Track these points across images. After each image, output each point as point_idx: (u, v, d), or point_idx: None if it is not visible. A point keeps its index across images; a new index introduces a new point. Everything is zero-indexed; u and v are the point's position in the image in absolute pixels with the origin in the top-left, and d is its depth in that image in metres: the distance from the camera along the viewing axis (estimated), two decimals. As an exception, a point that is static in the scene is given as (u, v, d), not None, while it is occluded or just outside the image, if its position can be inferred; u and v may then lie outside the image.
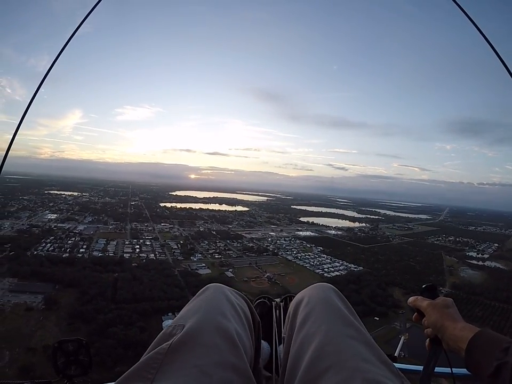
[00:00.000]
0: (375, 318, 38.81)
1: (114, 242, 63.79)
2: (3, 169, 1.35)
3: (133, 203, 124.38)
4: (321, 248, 76.27)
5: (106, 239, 65.32)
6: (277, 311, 1.73)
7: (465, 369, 1.00)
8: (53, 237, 61.33)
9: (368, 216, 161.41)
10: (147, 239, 69.70)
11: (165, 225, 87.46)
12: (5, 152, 1.38)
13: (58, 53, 1.51)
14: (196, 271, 52.91)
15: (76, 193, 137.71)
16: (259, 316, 1.37)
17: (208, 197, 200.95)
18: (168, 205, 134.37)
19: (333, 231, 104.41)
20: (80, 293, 38.40)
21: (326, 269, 59.40)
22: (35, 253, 51.66)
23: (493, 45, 1.57)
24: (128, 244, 64.00)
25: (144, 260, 55.07)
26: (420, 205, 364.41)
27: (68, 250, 55.29)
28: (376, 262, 67.88)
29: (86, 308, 34.56)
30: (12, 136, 1.41)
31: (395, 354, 1.69)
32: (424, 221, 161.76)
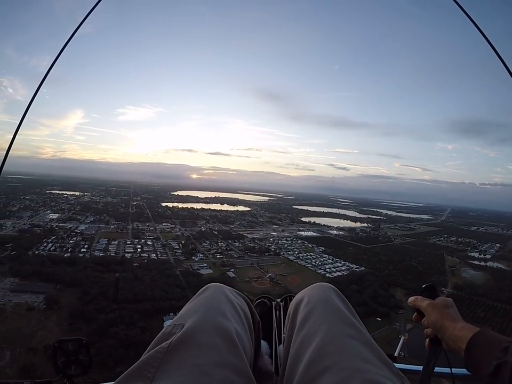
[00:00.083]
0: (377, 318, 38.55)
1: (116, 242, 63.82)
2: (4, 169, 1.36)
3: (134, 203, 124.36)
4: (323, 248, 76.09)
5: (108, 238, 65.35)
6: (277, 311, 1.73)
7: (465, 369, 1.00)
8: (54, 237, 61.42)
9: (370, 216, 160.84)
10: (149, 239, 69.68)
11: (167, 225, 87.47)
12: (5, 152, 1.39)
13: (58, 53, 1.52)
14: (198, 271, 52.87)
15: (77, 193, 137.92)
16: (259, 315, 1.37)
17: (209, 196, 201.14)
18: (170, 204, 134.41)
19: (335, 231, 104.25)
20: (81, 292, 38.42)
21: (328, 269, 59.28)
22: (36, 252, 51.73)
23: (493, 45, 1.57)
24: (130, 244, 64.01)
25: (145, 260, 55.03)
26: (422, 205, 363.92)
27: (69, 250, 55.30)
28: (378, 262, 67.68)
29: (87, 307, 34.55)
30: (12, 136, 1.42)
31: (395, 354, 1.69)
32: (426, 221, 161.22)
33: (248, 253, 66.48)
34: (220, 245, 70.80)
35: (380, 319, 38.37)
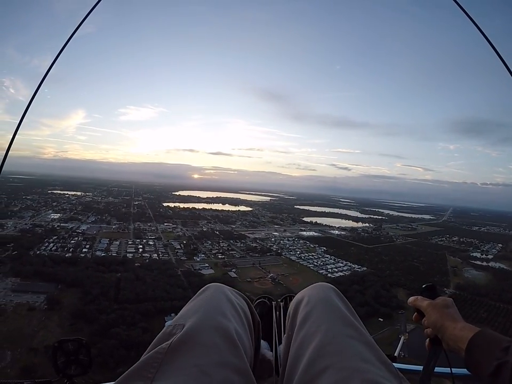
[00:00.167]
0: (379, 319, 38.44)
1: (117, 242, 63.89)
2: (4, 169, 1.36)
3: (136, 203, 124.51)
4: (324, 248, 76.02)
5: (109, 238, 65.45)
6: (277, 311, 1.73)
7: (465, 369, 1.00)
8: (56, 237, 61.53)
9: (372, 216, 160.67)
10: (150, 239, 69.72)
11: (168, 225, 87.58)
12: (5, 152, 1.39)
13: (57, 53, 1.52)
14: (199, 271, 52.90)
15: (79, 193, 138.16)
16: (259, 315, 1.37)
17: (211, 196, 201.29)
18: (171, 204, 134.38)
19: (336, 231, 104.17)
20: (82, 293, 38.46)
21: (330, 270, 59.21)
22: (38, 252, 51.85)
23: (494, 45, 1.57)
24: (131, 244, 64.08)
25: (147, 260, 55.09)
26: (423, 205, 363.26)
27: (70, 250, 55.44)
28: (380, 262, 67.56)
29: (88, 308, 34.57)
30: (12, 136, 1.43)
31: (395, 354, 1.68)
32: (427, 221, 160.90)
33: (250, 253, 66.42)
34: (222, 245, 70.75)
35: (381, 320, 38.22)
